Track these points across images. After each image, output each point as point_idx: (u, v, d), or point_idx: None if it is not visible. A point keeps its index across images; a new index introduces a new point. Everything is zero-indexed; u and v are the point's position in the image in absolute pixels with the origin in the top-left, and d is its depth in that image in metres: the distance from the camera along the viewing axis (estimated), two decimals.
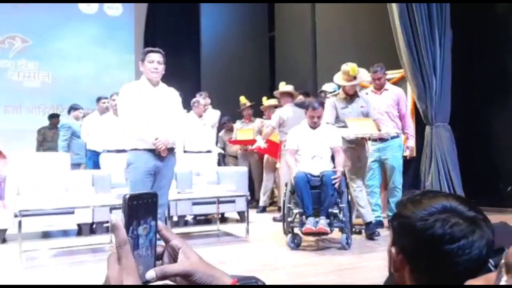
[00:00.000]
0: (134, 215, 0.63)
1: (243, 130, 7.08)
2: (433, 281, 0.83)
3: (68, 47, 9.52)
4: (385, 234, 4.47)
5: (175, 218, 5.49)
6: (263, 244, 4.37)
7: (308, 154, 4.34)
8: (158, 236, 0.67)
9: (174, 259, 0.68)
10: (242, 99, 7.27)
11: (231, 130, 7.48)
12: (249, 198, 5.24)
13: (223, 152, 7.43)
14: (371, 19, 6.77)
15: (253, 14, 9.55)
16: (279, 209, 6.23)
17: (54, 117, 8.19)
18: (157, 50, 3.75)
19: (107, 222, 4.77)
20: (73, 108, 6.93)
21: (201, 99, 6.32)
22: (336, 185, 4.02)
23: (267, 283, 0.73)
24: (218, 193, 5.15)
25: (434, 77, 5.50)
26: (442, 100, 5.50)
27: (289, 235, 4.08)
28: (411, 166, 5.71)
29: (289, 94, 6.14)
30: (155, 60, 3.70)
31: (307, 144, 4.36)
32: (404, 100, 5.14)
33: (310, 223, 3.88)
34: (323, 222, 3.89)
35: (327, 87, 5.92)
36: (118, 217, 0.62)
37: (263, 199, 6.60)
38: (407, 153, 5.15)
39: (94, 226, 5.09)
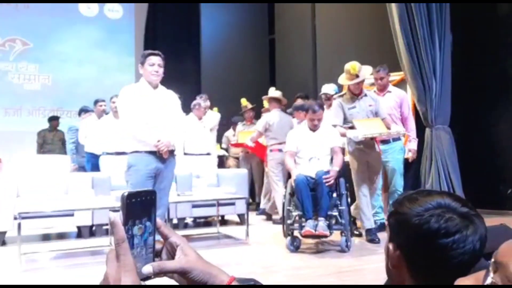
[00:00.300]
0: (132, 214, 0.63)
1: (244, 132, 7.09)
2: (429, 276, 0.86)
3: (68, 49, 9.53)
4: (384, 236, 4.45)
5: (175, 221, 5.49)
6: (263, 247, 4.37)
7: (306, 156, 4.34)
8: (157, 233, 0.67)
9: (172, 256, 0.68)
10: (243, 102, 7.28)
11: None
12: (249, 200, 5.23)
13: (226, 154, 7.43)
14: (371, 21, 6.78)
15: (253, 17, 9.58)
16: (265, 213, 6.26)
17: (53, 120, 8.20)
18: (157, 53, 3.76)
19: (107, 224, 4.77)
20: (83, 111, 6.93)
21: (202, 101, 6.33)
22: (329, 183, 3.99)
23: None
24: (218, 196, 5.15)
25: (434, 80, 5.51)
26: (442, 102, 5.50)
27: (288, 237, 4.08)
28: (412, 168, 5.70)
29: (277, 100, 6.19)
30: (156, 63, 3.70)
31: (306, 146, 4.36)
32: (407, 102, 5.13)
33: (309, 226, 3.86)
34: (322, 224, 3.87)
35: (327, 88, 5.86)
36: (116, 215, 0.63)
37: (263, 202, 6.60)
38: (409, 155, 5.14)
39: (93, 228, 5.09)
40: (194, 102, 6.24)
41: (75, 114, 9.37)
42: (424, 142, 5.55)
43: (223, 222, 5.98)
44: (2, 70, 9.17)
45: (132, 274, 0.60)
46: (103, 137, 5.80)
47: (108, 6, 10.07)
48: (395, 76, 6.02)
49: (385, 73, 4.96)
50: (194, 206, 5.36)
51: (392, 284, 0.97)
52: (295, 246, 4.02)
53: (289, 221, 4.12)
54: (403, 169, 4.97)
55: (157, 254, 0.68)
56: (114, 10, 10.13)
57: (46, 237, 5.24)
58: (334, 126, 4.46)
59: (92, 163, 6.03)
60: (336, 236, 4.15)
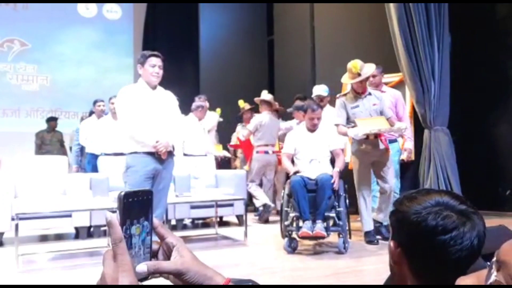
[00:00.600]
0: (129, 213, 0.63)
1: (218, 145, 7.15)
2: (429, 272, 0.89)
3: (67, 50, 9.53)
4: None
5: (173, 222, 5.48)
6: (261, 248, 4.36)
7: (306, 157, 4.34)
8: (153, 233, 0.67)
9: (168, 256, 0.68)
10: (241, 103, 7.27)
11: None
12: (247, 201, 5.23)
13: (229, 155, 7.42)
14: (370, 22, 6.79)
15: (252, 18, 9.57)
16: (255, 210, 6.25)
17: (52, 120, 8.20)
18: (158, 54, 3.75)
19: (105, 225, 4.74)
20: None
21: (206, 103, 6.36)
22: (334, 186, 4.00)
23: None
24: (217, 197, 5.13)
25: (433, 81, 5.50)
26: (440, 104, 5.50)
27: (286, 239, 4.07)
28: (410, 169, 5.71)
29: (267, 103, 6.33)
30: (157, 65, 3.69)
31: (305, 148, 4.35)
32: (402, 102, 5.13)
33: (306, 227, 3.86)
34: (319, 226, 3.87)
35: (318, 90, 5.76)
36: (113, 215, 0.62)
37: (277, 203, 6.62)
38: (404, 155, 5.13)
39: (91, 229, 5.07)
40: (198, 103, 6.20)
41: (74, 115, 9.40)
42: (422, 143, 5.56)
43: (222, 223, 5.97)
44: (0, 71, 9.17)
45: (130, 274, 0.60)
46: (102, 138, 5.79)
47: (107, 7, 10.07)
48: (394, 77, 6.03)
49: (379, 71, 4.92)
50: (192, 207, 5.35)
51: (392, 284, 0.98)
52: (292, 248, 4.01)
53: (286, 222, 4.11)
54: (401, 171, 4.97)
55: (153, 255, 0.68)
56: (113, 11, 10.13)
57: (44, 238, 5.23)
58: (337, 125, 4.41)
59: (92, 164, 6.02)
60: (334, 237, 4.14)
